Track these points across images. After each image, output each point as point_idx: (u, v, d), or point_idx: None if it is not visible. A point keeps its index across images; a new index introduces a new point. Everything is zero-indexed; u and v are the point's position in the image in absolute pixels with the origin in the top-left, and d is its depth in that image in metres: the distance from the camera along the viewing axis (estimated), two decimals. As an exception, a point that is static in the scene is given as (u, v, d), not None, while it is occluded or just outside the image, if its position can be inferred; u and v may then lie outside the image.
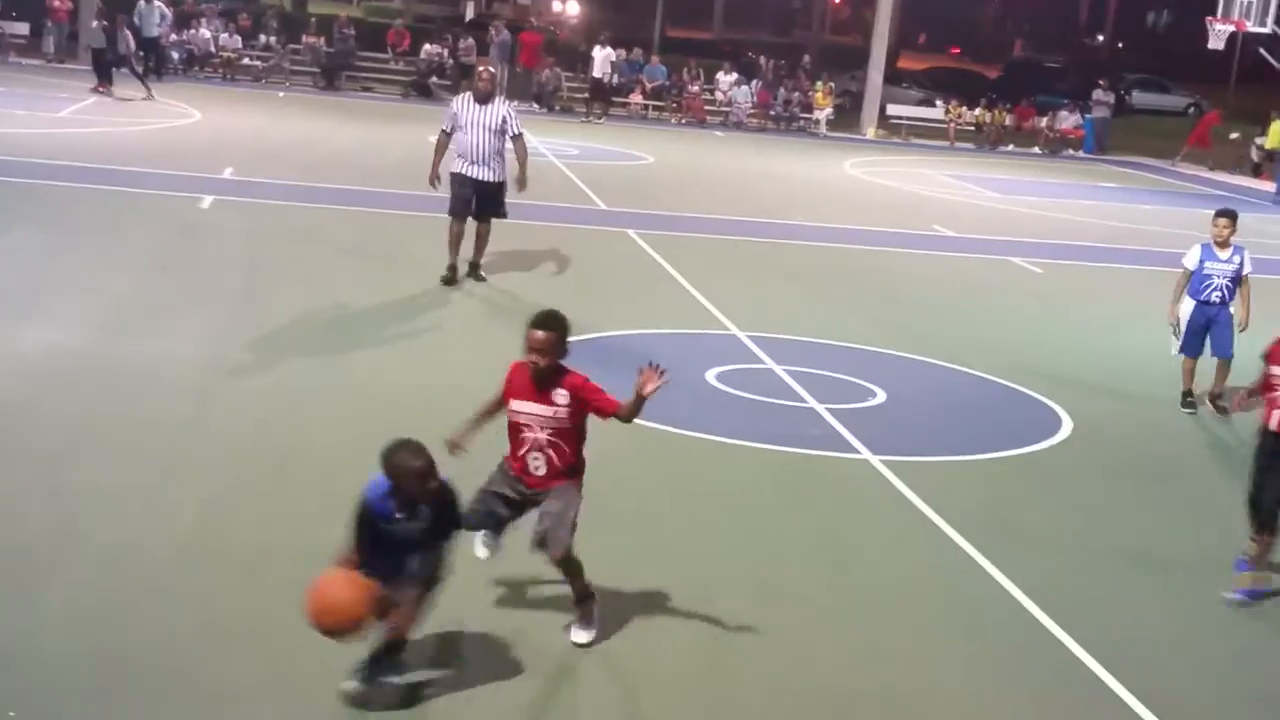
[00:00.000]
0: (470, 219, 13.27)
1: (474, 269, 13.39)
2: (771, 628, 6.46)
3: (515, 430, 5.83)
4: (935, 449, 9.46)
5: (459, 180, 13.14)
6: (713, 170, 25.71)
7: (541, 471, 5.84)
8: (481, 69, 13.98)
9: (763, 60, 39.53)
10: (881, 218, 21.13)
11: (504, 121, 13.09)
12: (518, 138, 13.23)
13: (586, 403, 5.79)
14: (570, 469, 5.91)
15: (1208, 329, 11.00)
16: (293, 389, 9.46)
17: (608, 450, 8.81)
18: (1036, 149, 36.50)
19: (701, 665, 6.03)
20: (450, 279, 13.10)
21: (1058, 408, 10.71)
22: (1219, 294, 10.99)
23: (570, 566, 5.93)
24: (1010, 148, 36.39)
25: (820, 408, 10.11)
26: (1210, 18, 29.39)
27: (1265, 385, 7.19)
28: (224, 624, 5.65)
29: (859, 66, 39.19)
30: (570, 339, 5.85)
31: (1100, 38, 73.91)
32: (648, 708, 5.61)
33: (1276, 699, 6.28)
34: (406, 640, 5.34)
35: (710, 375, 10.74)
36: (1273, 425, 7.07)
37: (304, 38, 35.38)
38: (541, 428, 5.77)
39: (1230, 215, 11.09)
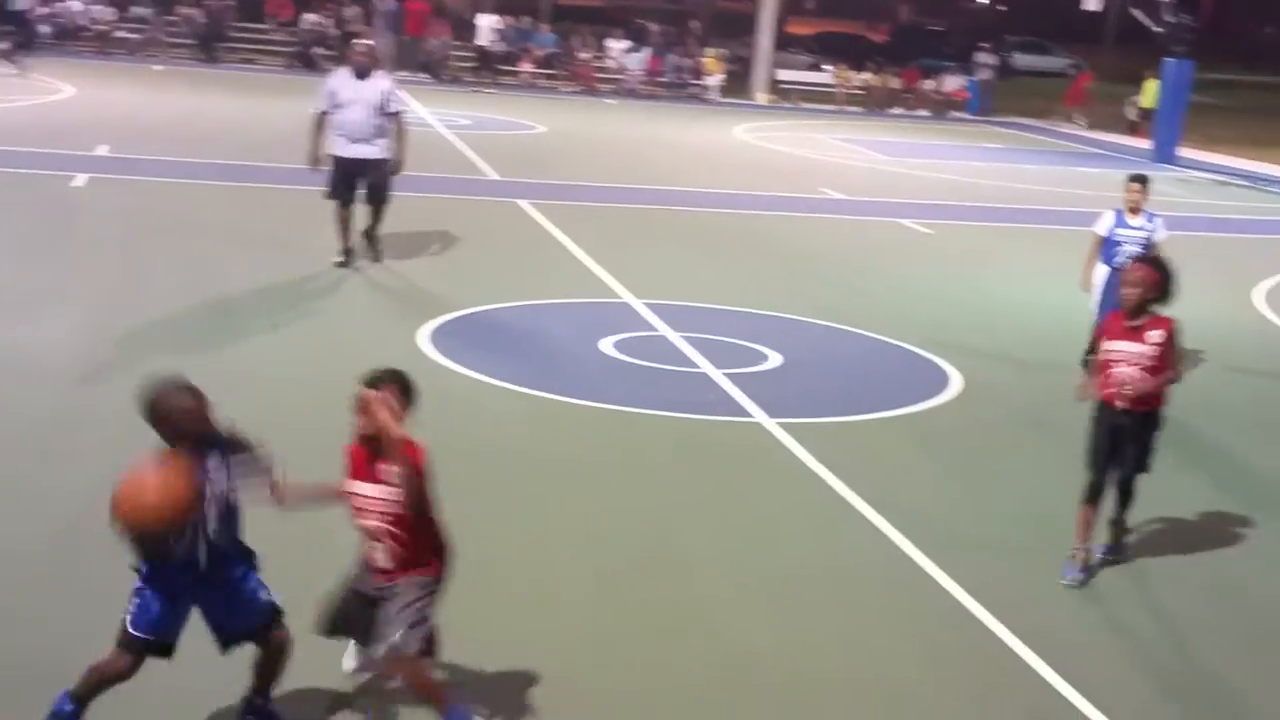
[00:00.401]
0: (359, 203, 12.73)
1: (369, 237, 12.84)
2: (670, 594, 6.46)
3: (354, 516, 4.87)
4: (828, 410, 9.53)
5: (340, 162, 12.53)
6: (605, 138, 25.60)
7: (387, 564, 4.83)
8: (358, 42, 13.51)
9: (653, 27, 39.44)
10: (773, 182, 21.21)
11: (384, 97, 12.50)
12: (397, 115, 12.61)
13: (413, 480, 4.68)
14: (421, 556, 4.84)
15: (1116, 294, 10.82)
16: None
17: (501, 420, 8.78)
18: (923, 111, 36.90)
19: (604, 640, 6.00)
20: (344, 263, 12.63)
21: (948, 366, 10.84)
22: (1130, 261, 10.67)
23: (412, 677, 4.86)
24: (898, 110, 36.75)
25: (715, 373, 10.12)
26: (1087, -21, 29.90)
27: (1104, 363, 6.90)
28: (105, 620, 5.46)
29: (749, 32, 39.27)
30: (411, 399, 4.87)
31: (983, 1, 74.83)
32: (553, 690, 5.56)
33: (1164, 662, 6.42)
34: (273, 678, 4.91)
35: (605, 344, 10.69)
36: (1122, 403, 6.80)
37: (179, 8, 34.52)
38: (379, 514, 4.76)
39: (1142, 180, 10.76)
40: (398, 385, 4.81)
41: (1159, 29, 28.44)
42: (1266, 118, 40.74)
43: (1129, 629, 6.54)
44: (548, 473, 8.00)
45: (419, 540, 4.81)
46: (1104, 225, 10.77)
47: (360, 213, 12.83)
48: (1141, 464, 6.96)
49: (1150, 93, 31.51)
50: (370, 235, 12.95)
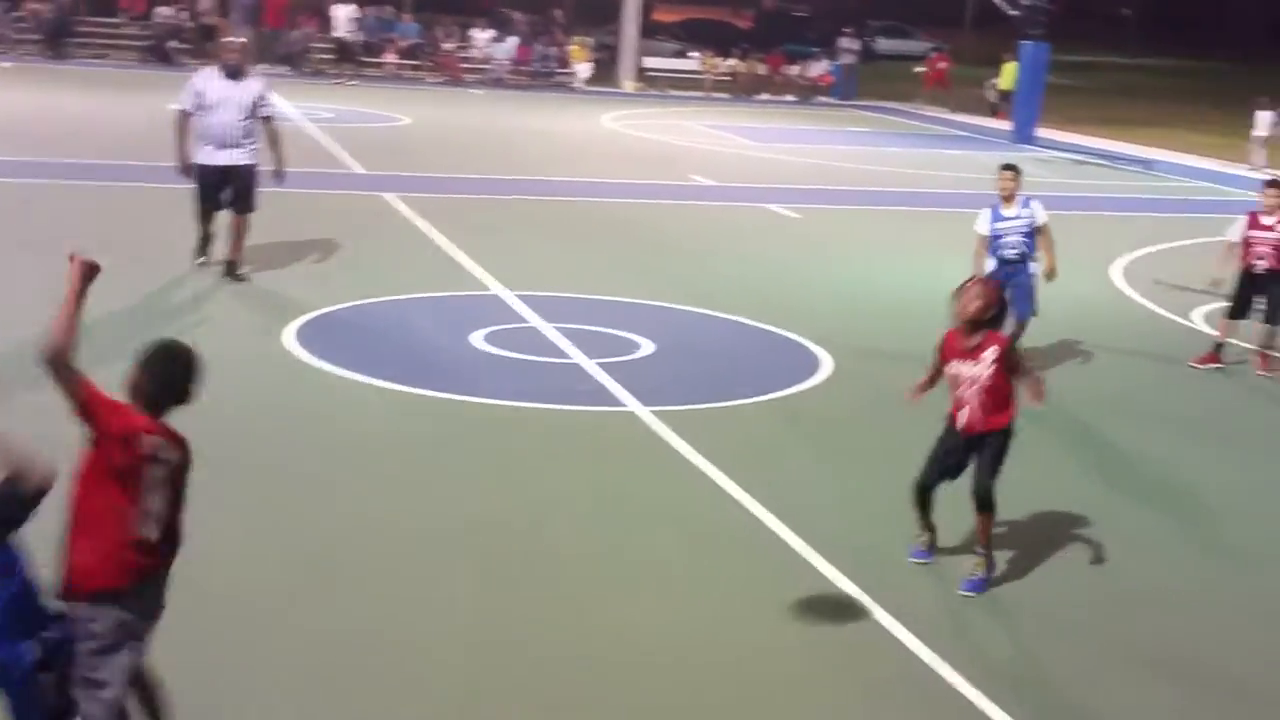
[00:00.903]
0: (221, 210, 12.04)
1: (231, 269, 11.97)
2: (548, 584, 6.41)
3: None
4: (701, 396, 9.53)
5: (204, 170, 11.82)
6: (472, 129, 25.37)
7: (65, 577, 4.13)
8: (230, 39, 12.65)
9: (517, 16, 39.20)
10: (642, 170, 21.21)
11: (257, 100, 11.81)
12: (270, 119, 11.99)
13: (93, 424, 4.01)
14: (101, 565, 4.06)
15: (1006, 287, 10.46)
16: (26, 404, 8.85)
17: (372, 417, 8.63)
18: (789, 97, 37.23)
19: (483, 629, 5.93)
20: (206, 261, 12.06)
21: (818, 349, 10.92)
22: (1014, 251, 10.32)
23: None
24: (764, 96, 37.03)
25: (587, 362, 10.07)
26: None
27: (945, 381, 6.68)
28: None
29: (614, 20, 39.22)
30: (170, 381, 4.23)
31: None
32: (434, 682, 5.47)
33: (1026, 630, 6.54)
34: None
35: (475, 337, 10.57)
36: (960, 424, 6.64)
37: (25, 3, 33.39)
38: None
39: (1012, 168, 10.54)
40: (140, 366, 4.20)
41: (1015, 12, 29.04)
42: (1122, 97, 41.94)
43: (1002, 608, 6.63)
44: (422, 468, 7.89)
45: (97, 549, 4.06)
46: (983, 223, 10.45)
47: (224, 218, 12.09)
48: (995, 470, 6.61)
49: (1008, 75, 32.15)
50: (232, 252, 12.02)
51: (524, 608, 6.21)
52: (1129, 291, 14.25)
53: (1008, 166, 10.65)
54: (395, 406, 8.96)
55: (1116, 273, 15.14)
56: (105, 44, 34.14)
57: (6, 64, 30.06)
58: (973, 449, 6.67)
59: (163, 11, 34.13)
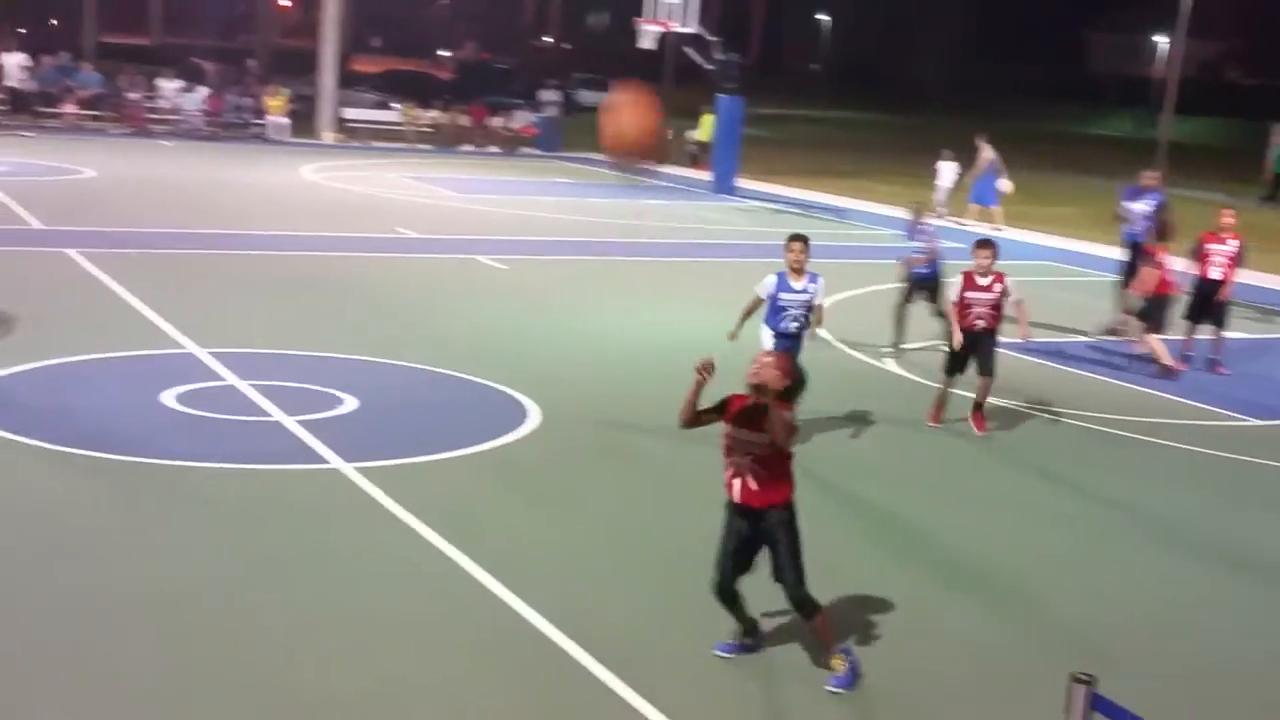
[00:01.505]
0: None
1: None
2: (246, 650, 6.06)
3: None
4: (407, 451, 9.27)
5: None
6: (163, 181, 24.31)
7: None
8: None
9: (208, 66, 37.98)
10: (344, 222, 20.74)
11: None
12: None
13: None
14: None
15: None
16: None
17: (49, 485, 8.01)
18: (494, 148, 37.29)
19: (176, 704, 5.51)
20: None
21: (526, 400, 10.82)
22: (796, 324, 10.03)
23: None
24: (468, 148, 36.97)
25: (288, 420, 9.68)
26: (638, 19, 30.77)
27: (726, 448, 6.23)
28: None
29: (312, 70, 38.47)
30: None
31: (548, 39, 77.00)
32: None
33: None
34: None
35: (166, 397, 10.02)
36: (736, 496, 6.23)
37: None
38: None
39: (801, 239, 10.03)
40: None
41: (710, 66, 29.92)
42: (814, 149, 43.84)
43: (730, 665, 6.60)
44: (105, 537, 7.37)
45: None
46: (765, 288, 10.00)
47: None
48: (797, 571, 6.19)
49: (706, 127, 33.09)
50: None
51: (218, 674, 5.85)
52: (828, 338, 14.62)
53: (797, 237, 10.07)
54: (76, 472, 8.35)
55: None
56: None
57: None
58: (759, 536, 6.25)
59: None
